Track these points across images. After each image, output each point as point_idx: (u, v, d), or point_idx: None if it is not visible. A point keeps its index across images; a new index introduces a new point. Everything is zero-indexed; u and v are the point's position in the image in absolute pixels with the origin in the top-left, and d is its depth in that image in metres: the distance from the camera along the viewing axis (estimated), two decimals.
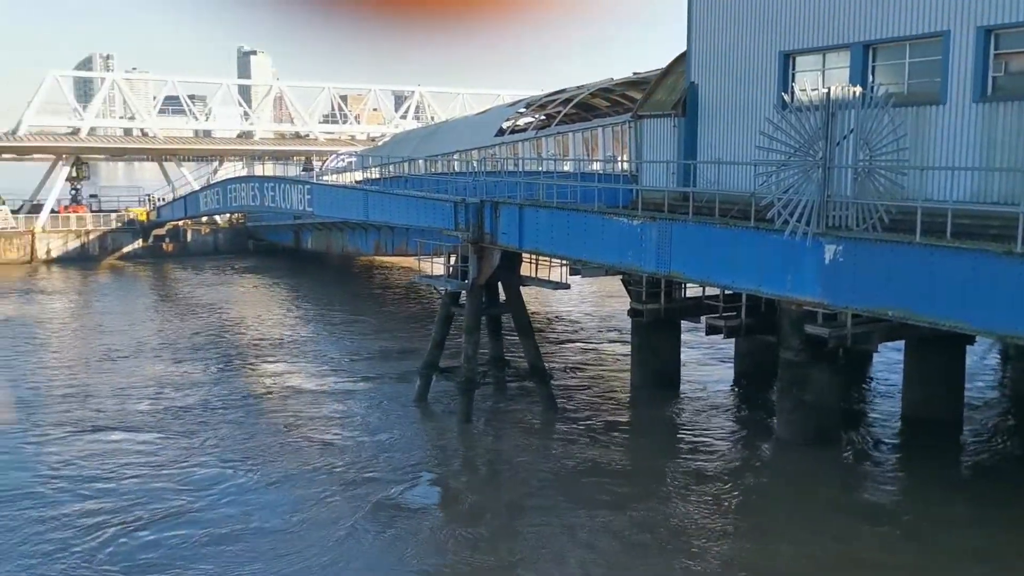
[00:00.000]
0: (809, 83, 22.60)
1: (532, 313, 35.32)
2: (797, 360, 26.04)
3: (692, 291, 32.59)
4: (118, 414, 30.93)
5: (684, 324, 33.83)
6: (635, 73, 42.06)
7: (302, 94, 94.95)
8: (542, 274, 31.95)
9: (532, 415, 30.91)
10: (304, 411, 31.58)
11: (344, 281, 63.96)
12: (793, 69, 26.55)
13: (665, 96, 31.46)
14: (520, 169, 41.41)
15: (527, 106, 50.37)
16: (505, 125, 49.56)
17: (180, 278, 65.28)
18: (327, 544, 20.63)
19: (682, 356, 34.54)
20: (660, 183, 29.63)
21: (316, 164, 79.23)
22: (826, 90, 19.70)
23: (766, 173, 20.55)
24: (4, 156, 77.68)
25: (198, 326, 46.91)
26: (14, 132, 74.95)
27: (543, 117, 47.90)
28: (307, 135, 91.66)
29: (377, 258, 66.52)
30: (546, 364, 32.37)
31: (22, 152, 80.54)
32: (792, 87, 25.06)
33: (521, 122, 50.29)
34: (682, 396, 33.07)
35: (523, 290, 31.86)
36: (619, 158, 38.65)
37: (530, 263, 31.96)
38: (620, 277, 34.30)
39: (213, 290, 60.24)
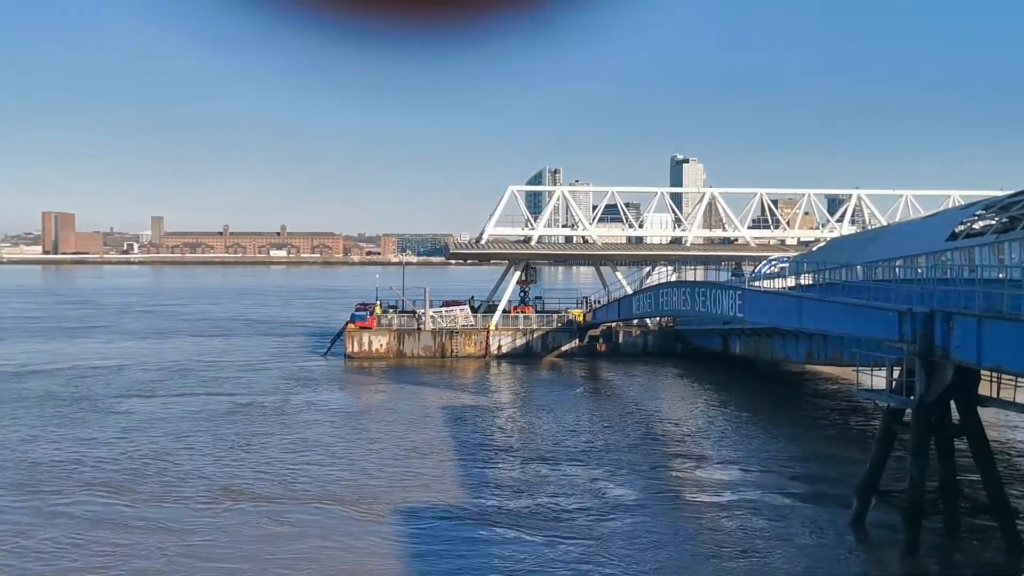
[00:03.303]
0: None
1: (992, 439, 31.20)
2: None
3: None
4: (533, 510, 32.56)
5: None
6: None
7: (733, 200, 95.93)
8: (1006, 395, 28.23)
9: (990, 556, 27.01)
10: (727, 523, 30.76)
11: (773, 389, 62.23)
12: None
13: None
14: (978, 277, 37.40)
15: (985, 208, 45.61)
16: (958, 229, 45.30)
17: (611, 378, 68.22)
18: None
19: None
20: None
21: (746, 269, 78.98)
22: None
23: None
24: (469, 261, 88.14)
25: (622, 427, 48.35)
26: (478, 240, 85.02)
27: (1005, 220, 42.99)
28: (736, 240, 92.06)
29: (808, 366, 63.92)
30: (1010, 498, 28.25)
31: (483, 258, 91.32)
32: None
33: (977, 225, 45.58)
34: None
35: (981, 411, 28.35)
36: None
37: (991, 381, 28.43)
38: None
39: (641, 391, 62.03)
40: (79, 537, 28.75)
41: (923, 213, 78.05)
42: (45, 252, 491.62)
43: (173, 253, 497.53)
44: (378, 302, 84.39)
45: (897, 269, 44.04)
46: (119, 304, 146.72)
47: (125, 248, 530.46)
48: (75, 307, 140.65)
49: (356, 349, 76.67)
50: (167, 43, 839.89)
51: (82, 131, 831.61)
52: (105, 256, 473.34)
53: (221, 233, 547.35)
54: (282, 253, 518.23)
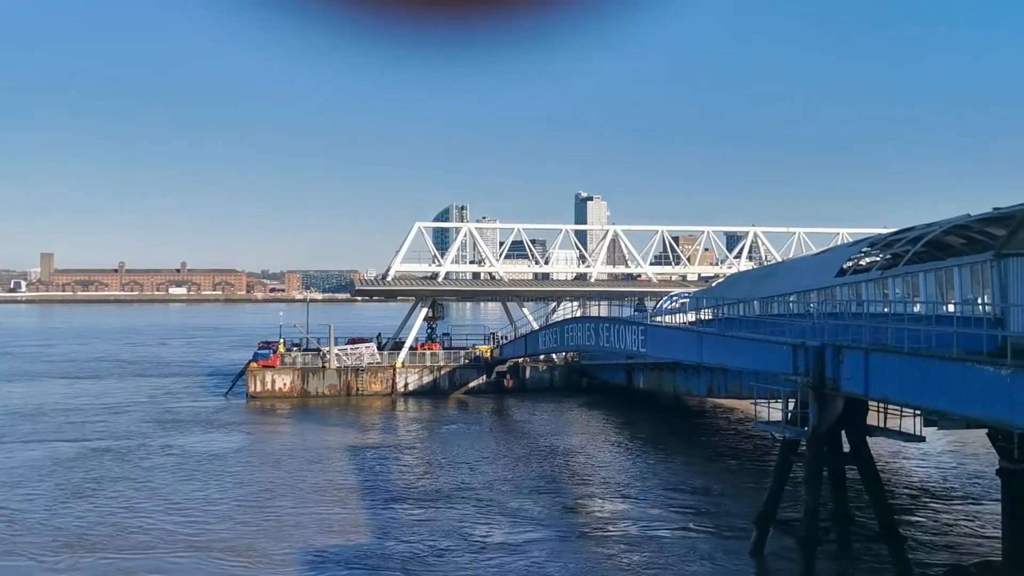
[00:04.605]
0: None
1: (881, 466, 32.55)
2: None
3: None
4: (419, 551, 32.27)
5: None
6: (995, 208, 38.59)
7: (635, 237, 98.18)
8: (892, 424, 29.51)
9: None
10: (628, 556, 31.15)
11: (675, 422, 63.40)
12: None
13: None
14: (864, 311, 39.18)
15: (871, 245, 47.87)
16: (846, 265, 47.40)
17: (517, 414, 68.42)
18: None
19: None
20: None
21: (649, 305, 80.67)
22: None
23: None
24: (375, 298, 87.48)
25: (525, 463, 48.48)
26: (384, 277, 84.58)
27: (888, 257, 45.20)
28: (639, 276, 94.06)
29: (709, 399, 65.44)
30: (898, 524, 29.46)
31: (389, 295, 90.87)
32: None
33: (864, 262, 47.78)
34: None
35: (870, 441, 29.58)
36: (979, 300, 35.25)
37: (878, 412, 29.71)
38: (985, 431, 30.73)
39: (547, 426, 62.34)
40: None
41: (815, 249, 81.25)
42: None
43: (64, 291, 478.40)
44: (281, 340, 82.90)
45: (791, 304, 45.71)
46: None
47: (12, 286, 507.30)
48: None
49: (259, 388, 74.98)
50: (44, 61, 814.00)
51: None
52: None
53: (116, 270, 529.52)
54: (182, 291, 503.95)
